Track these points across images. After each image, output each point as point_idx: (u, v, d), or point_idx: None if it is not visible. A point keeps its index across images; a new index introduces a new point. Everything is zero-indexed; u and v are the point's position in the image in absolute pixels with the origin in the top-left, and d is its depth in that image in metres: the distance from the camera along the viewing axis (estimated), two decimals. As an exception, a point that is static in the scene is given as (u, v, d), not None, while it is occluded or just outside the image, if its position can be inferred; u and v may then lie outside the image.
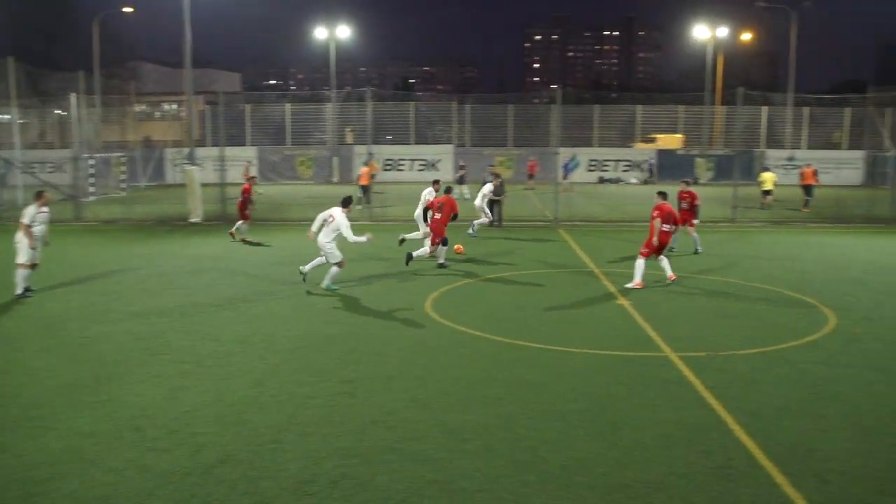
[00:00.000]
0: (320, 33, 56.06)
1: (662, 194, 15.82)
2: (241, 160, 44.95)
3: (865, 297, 14.57)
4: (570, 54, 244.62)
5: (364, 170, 30.19)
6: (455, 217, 18.00)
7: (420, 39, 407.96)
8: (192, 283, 15.77)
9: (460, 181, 35.97)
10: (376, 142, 42.75)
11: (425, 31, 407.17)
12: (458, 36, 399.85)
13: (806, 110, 52.55)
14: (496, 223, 24.78)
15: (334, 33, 54.72)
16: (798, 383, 9.31)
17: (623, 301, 13.81)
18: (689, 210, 19.53)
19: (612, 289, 14.97)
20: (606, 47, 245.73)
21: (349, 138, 51.23)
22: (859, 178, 47.99)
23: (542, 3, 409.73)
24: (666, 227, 15.36)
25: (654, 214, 15.34)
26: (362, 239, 14.32)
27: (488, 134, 51.25)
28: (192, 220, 26.93)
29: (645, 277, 15.13)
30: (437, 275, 16.46)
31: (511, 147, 50.22)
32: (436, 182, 20.12)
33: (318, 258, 14.87)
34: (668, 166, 49.09)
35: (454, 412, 8.28)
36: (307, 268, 15.08)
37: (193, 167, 27.90)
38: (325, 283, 14.66)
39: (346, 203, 14.67)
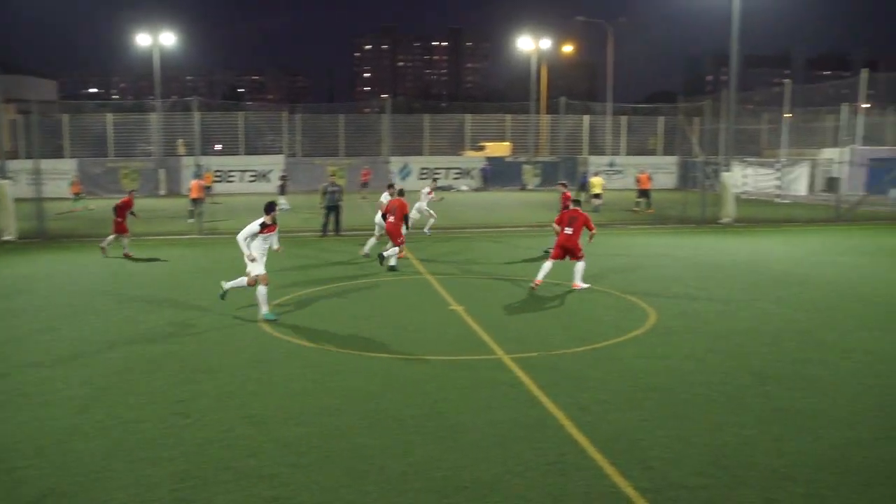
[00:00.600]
0: (143, 40, 53.74)
1: (577, 202, 16.79)
2: (65, 173, 42.60)
3: (681, 292, 15.54)
4: (400, 64, 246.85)
5: (195, 182, 29.17)
6: (406, 219, 18.66)
7: (248, 48, 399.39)
8: (5, 306, 14.74)
9: (281, 191, 35.56)
10: (205, 153, 41.60)
11: (253, 39, 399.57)
12: (288, 45, 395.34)
13: (624, 119, 55.61)
14: (332, 232, 24.75)
15: (158, 40, 52.62)
16: (622, 377, 9.80)
17: (456, 307, 14.07)
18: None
19: (445, 295, 15.22)
20: (435, 57, 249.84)
21: (180, 150, 49.40)
22: (673, 181, 51.17)
23: (370, 13, 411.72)
24: (567, 231, 15.70)
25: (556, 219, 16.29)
26: (245, 250, 12.94)
27: (320, 143, 50.92)
28: (5, 238, 25.18)
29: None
30: (272, 285, 16.13)
31: (343, 156, 50.08)
32: (390, 186, 20.67)
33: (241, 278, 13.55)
34: (497, 173, 50.60)
35: (291, 426, 8.17)
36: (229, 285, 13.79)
37: (4, 181, 26.09)
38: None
39: (268, 209, 13.01)
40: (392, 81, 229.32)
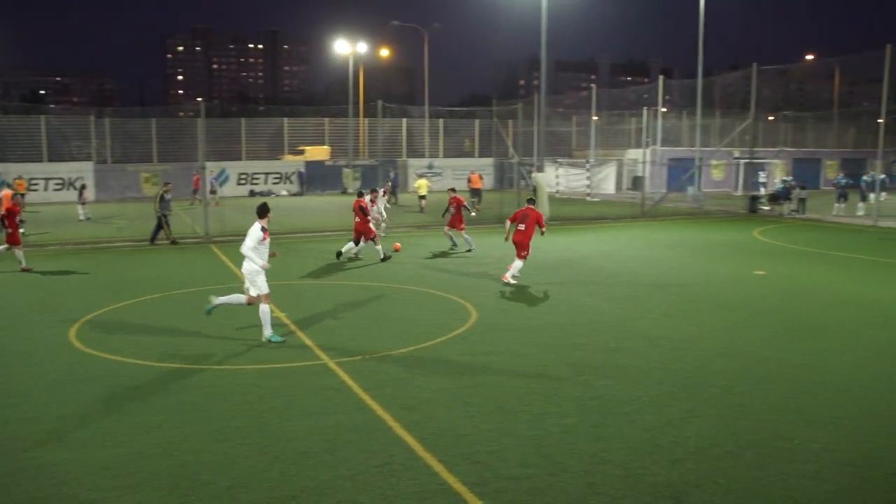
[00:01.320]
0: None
1: (531, 200, 17.73)
2: None
3: (501, 289, 15.97)
4: (215, 67, 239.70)
5: (6, 193, 26.18)
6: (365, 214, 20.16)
7: (49, 48, 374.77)
8: None
9: (79, 200, 33.59)
10: (3, 160, 38.78)
11: (54, 38, 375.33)
12: (92, 45, 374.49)
13: (441, 122, 56.57)
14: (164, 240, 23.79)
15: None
16: (446, 375, 9.94)
17: (279, 313, 13.79)
18: (458, 214, 21.89)
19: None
20: (252, 60, 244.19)
21: None
22: (491, 182, 52.59)
23: (181, 13, 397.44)
24: (521, 227, 16.58)
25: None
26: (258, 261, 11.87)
27: (132, 149, 48.52)
28: None
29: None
30: (81, 298, 15.23)
31: (157, 163, 48.00)
32: (373, 191, 22.72)
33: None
34: (317, 177, 50.22)
35: (109, 447, 7.71)
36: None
37: None
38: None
39: (262, 212, 12.06)
40: (207, 84, 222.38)
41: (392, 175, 41.35)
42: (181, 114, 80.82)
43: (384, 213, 24.80)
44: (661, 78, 47.41)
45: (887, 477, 6.94)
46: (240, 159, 49.78)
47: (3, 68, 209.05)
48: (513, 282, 16.39)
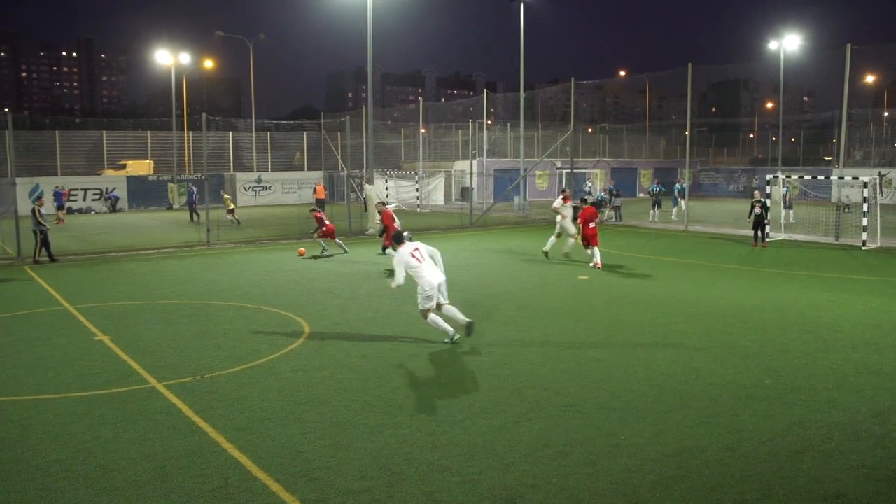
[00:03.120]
0: None
1: (584, 200, 21.71)
2: None
3: (332, 304, 15.92)
4: (24, 75, 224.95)
5: None
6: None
7: None
8: None
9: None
10: None
11: None
12: None
13: (268, 135, 55.72)
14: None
15: None
16: (281, 393, 9.81)
17: (102, 336, 13.15)
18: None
19: (89, 325, 14.15)
20: (66, 69, 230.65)
21: None
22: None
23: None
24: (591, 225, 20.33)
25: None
26: None
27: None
28: None
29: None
30: None
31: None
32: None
33: None
34: (141, 192, 48.23)
35: None
36: None
37: None
38: None
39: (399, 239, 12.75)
40: (16, 93, 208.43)
41: (193, 189, 40.54)
42: (-15, 126, 75.39)
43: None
44: (485, 92, 48.79)
45: (707, 464, 7.46)
46: (55, 174, 46.94)
47: None
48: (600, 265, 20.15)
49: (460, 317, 12.29)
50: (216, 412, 9.04)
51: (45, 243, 23.21)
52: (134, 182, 48.48)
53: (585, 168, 47.99)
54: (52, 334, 13.55)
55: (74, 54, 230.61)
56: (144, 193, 48.29)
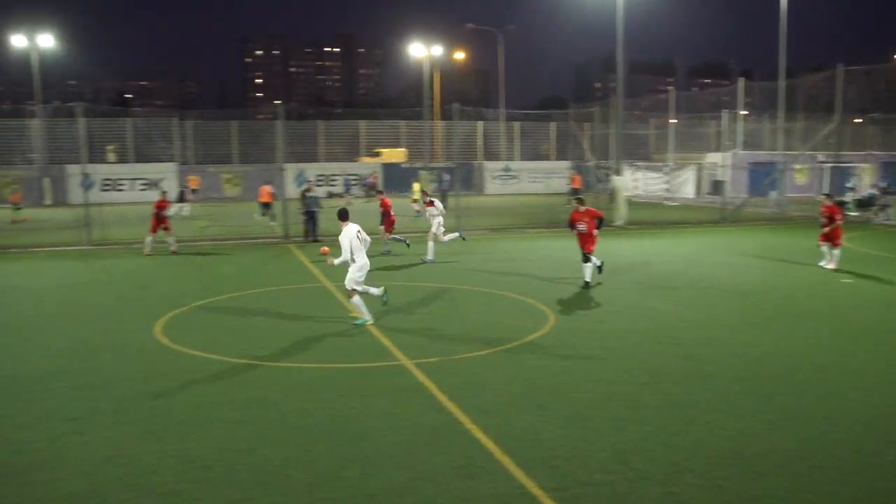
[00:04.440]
0: (19, 41, 51.39)
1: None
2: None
3: (577, 294, 15.85)
4: (292, 70, 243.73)
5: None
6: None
7: (135, 53, 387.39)
8: None
9: (180, 198, 35.31)
10: (94, 160, 40.14)
11: (139, 44, 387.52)
12: (176, 50, 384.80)
13: (517, 125, 56.45)
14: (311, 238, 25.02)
15: (35, 42, 50.38)
16: (524, 379, 9.90)
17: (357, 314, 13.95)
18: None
19: (344, 302, 15.05)
20: (328, 64, 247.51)
21: (110, 157, 47.51)
22: (566, 185, 52.18)
23: (259, 18, 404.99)
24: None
25: None
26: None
27: (212, 151, 49.80)
28: None
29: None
30: (166, 296, 15.67)
31: (237, 164, 49.12)
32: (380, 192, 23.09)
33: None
34: (394, 179, 50.52)
35: (192, 440, 7.92)
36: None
37: None
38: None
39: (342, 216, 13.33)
40: (284, 88, 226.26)
41: (445, 177, 41.94)
42: (260, 116, 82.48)
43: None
44: (740, 80, 46.41)
45: None
46: (317, 161, 50.53)
47: (93, 74, 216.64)
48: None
49: (374, 290, 13.42)
50: (461, 393, 9.30)
51: (311, 223, 25.10)
52: (388, 169, 51.00)
53: (852, 162, 44.33)
54: (312, 308, 14.59)
55: (336, 50, 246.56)
56: (398, 180, 50.60)
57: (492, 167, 52.81)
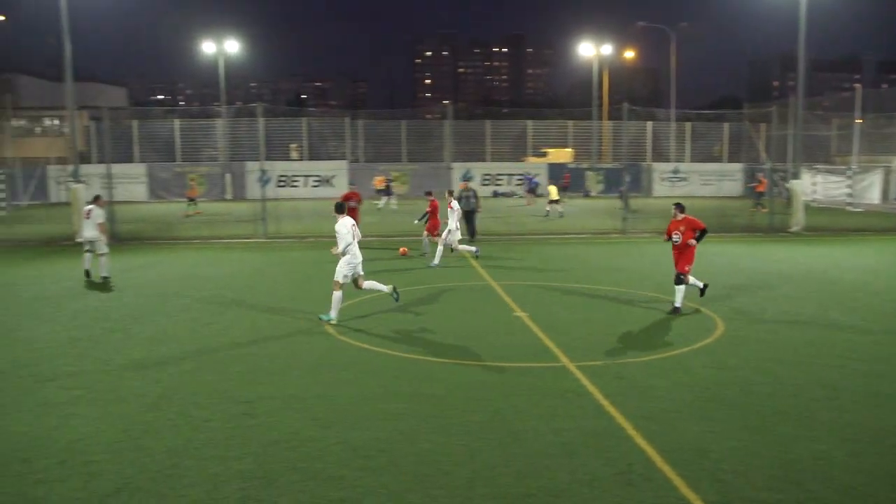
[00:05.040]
0: (208, 48, 55.01)
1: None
2: (135, 177, 44.01)
3: (750, 302, 15.22)
4: (461, 70, 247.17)
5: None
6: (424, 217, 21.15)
7: (310, 55, 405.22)
8: (80, 306, 15.16)
9: (387, 192, 37.47)
10: (271, 157, 42.31)
11: (316, 47, 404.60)
12: (350, 52, 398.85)
13: (688, 125, 54.82)
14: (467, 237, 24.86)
15: (223, 48, 53.77)
16: (690, 388, 9.63)
17: (520, 313, 14.01)
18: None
19: (509, 302, 15.16)
20: (496, 64, 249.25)
21: (293, 154, 50.50)
22: (739, 189, 50.15)
23: (430, 19, 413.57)
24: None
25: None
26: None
27: (382, 149, 51.34)
28: (79, 239, 25.86)
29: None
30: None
31: (405, 162, 50.37)
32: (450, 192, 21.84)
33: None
34: (560, 179, 50.18)
35: (357, 429, 8.22)
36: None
37: (78, 185, 26.86)
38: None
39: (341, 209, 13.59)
40: (453, 88, 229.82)
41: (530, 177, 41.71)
42: (428, 116, 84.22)
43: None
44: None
45: None
46: (484, 160, 51.01)
47: (271, 75, 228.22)
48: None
49: (382, 287, 13.79)
50: (624, 398, 9.15)
51: (468, 223, 25.20)
52: (554, 169, 50.72)
53: None
54: (476, 306, 14.78)
55: (504, 50, 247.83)
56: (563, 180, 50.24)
57: (661, 168, 51.51)
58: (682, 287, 14.12)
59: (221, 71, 53.29)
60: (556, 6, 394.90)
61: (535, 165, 51.17)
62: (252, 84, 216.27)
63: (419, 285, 17.11)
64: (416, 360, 10.94)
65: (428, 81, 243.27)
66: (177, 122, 51.61)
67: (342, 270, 13.17)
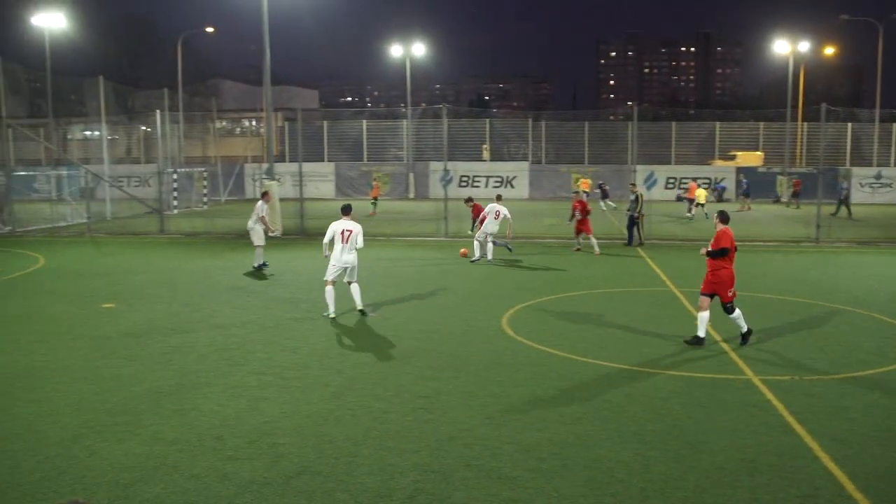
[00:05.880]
0: (396, 51, 56.81)
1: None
2: (324, 175, 46.18)
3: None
4: (646, 70, 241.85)
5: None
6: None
7: (494, 56, 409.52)
8: (272, 295, 16.05)
9: (604, 195, 37.92)
10: (453, 158, 43.08)
11: (499, 48, 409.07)
12: (532, 53, 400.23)
13: (894, 126, 50.88)
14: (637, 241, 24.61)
15: (410, 51, 55.34)
16: (887, 411, 8.96)
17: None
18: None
19: (691, 309, 14.66)
20: (683, 63, 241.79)
21: (484, 154, 51.70)
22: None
23: (616, 19, 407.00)
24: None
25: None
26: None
27: (563, 151, 51.07)
28: (272, 234, 27.40)
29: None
30: (514, 290, 16.41)
31: (587, 164, 49.84)
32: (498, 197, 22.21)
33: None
34: (750, 184, 47.98)
35: (530, 430, 8.22)
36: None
37: (273, 182, 28.44)
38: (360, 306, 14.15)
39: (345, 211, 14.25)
40: (637, 88, 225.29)
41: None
42: (612, 117, 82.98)
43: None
44: None
45: None
46: (668, 163, 49.61)
47: (455, 77, 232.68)
48: None
49: (357, 300, 14.00)
50: (812, 417, 8.64)
51: (632, 225, 24.56)
52: (743, 173, 48.54)
53: None
54: (656, 312, 14.43)
55: (692, 49, 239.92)
56: (753, 185, 47.95)
57: (861, 174, 48.15)
58: (733, 316, 11.82)
59: (408, 73, 54.85)
60: (748, 2, 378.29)
61: (722, 169, 49.22)
62: (436, 85, 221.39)
63: (597, 289, 16.91)
64: (592, 364, 10.81)
65: (612, 82, 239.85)
66: (364, 123, 53.61)
67: (327, 272, 13.98)
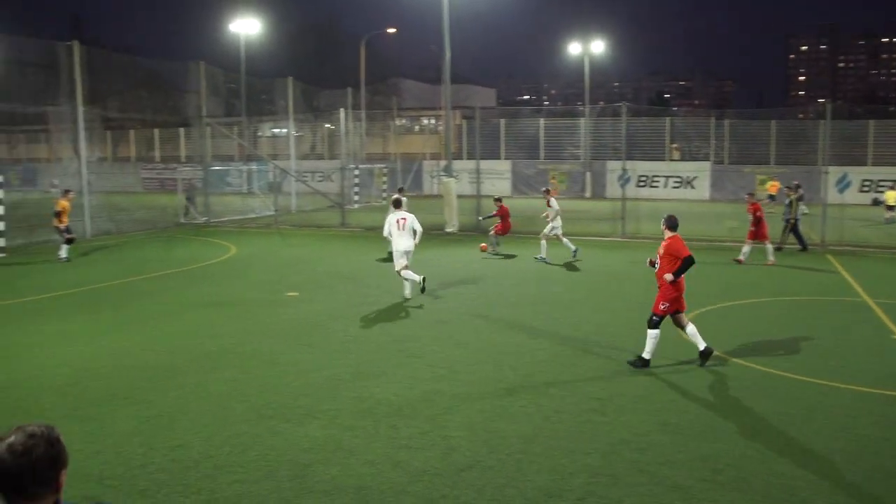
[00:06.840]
0: (574, 49, 56.29)
1: None
2: (500, 173, 46.51)
3: None
4: (841, 65, 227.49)
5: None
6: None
7: (675, 53, 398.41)
8: (445, 292, 16.31)
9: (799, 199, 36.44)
10: (631, 157, 42.29)
11: (681, 44, 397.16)
12: (716, 49, 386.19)
13: None
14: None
15: (588, 48, 54.66)
16: None
17: (899, 335, 12.57)
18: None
19: (887, 322, 13.66)
20: (884, 56, 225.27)
21: (674, 154, 50.86)
22: None
23: (806, 11, 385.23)
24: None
25: None
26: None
27: (748, 151, 48.82)
28: (448, 230, 27.90)
29: None
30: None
31: (773, 165, 47.45)
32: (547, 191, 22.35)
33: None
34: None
35: (707, 440, 7.92)
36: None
37: (450, 179, 28.92)
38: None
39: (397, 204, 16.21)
40: (831, 84, 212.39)
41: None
42: (801, 115, 78.66)
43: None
44: None
45: None
46: (864, 164, 46.42)
47: (633, 73, 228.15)
48: None
49: (415, 278, 15.26)
50: None
51: (793, 231, 23.14)
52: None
53: None
54: (847, 324, 13.52)
55: (894, 40, 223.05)
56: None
57: None
58: (652, 332, 10.53)
59: (587, 71, 54.20)
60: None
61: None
62: (615, 83, 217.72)
63: (784, 296, 16.07)
64: (773, 375, 10.28)
65: (802, 78, 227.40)
66: (542, 121, 53.47)
67: (396, 260, 15.48)
